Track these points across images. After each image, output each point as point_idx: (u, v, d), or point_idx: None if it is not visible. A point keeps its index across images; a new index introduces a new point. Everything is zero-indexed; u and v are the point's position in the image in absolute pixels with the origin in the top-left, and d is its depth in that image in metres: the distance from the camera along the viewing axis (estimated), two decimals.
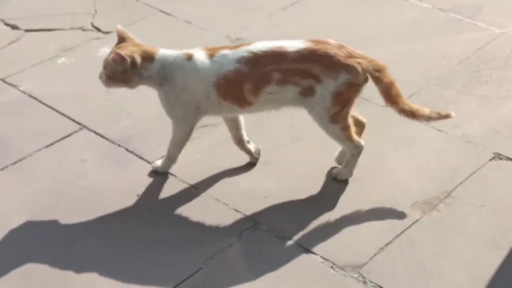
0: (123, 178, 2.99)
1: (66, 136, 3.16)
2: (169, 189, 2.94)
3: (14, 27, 3.79)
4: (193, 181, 2.97)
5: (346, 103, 2.78)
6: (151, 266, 2.62)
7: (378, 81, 2.76)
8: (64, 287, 2.54)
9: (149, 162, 3.05)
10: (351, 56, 2.73)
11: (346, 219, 2.79)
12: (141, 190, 2.93)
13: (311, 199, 2.90)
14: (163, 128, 3.19)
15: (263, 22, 3.92)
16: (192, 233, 2.77)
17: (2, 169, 3.00)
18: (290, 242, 2.71)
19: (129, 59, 2.73)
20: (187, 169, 3.01)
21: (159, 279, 2.56)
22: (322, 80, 2.72)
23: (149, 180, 2.97)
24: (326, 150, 3.01)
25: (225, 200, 2.89)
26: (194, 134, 3.14)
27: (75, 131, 3.20)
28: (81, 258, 2.65)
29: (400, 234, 2.70)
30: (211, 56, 2.77)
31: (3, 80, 3.43)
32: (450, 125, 3.15)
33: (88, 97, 3.38)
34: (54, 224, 2.78)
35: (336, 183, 2.94)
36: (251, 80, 2.74)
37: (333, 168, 3.00)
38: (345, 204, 2.85)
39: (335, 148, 2.97)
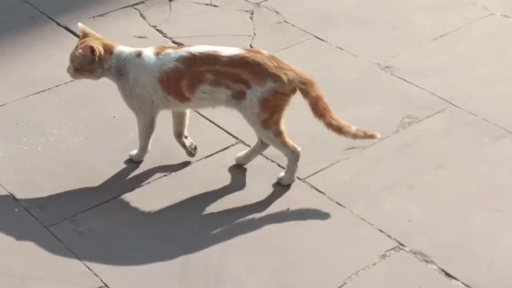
0: (275, 192, 3.04)
1: (224, 149, 3.24)
2: (317, 206, 2.97)
3: (180, 45, 3.93)
4: (341, 200, 2.99)
5: (275, 110, 2.88)
6: (297, 278, 2.66)
7: (305, 94, 2.89)
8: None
9: (299, 179, 3.09)
10: (279, 67, 2.86)
11: (491, 247, 2.73)
12: (291, 204, 2.98)
13: (455, 226, 2.86)
14: (314, 146, 3.24)
15: (412, 51, 3.90)
16: (337, 249, 2.79)
17: (166, 175, 3.11)
18: (432, 266, 2.68)
19: (97, 51, 2.90)
20: (336, 189, 3.03)
21: None
22: (251, 86, 2.84)
23: (300, 195, 3.02)
24: (471, 178, 2.97)
25: (370, 220, 2.89)
26: (343, 155, 3.20)
27: (232, 145, 3.28)
28: (234, 262, 2.72)
29: None
30: (157, 54, 2.94)
31: None
32: None
33: None
34: (209, 228, 2.86)
35: (481, 212, 2.89)
36: (187, 78, 2.88)
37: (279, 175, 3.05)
38: (494, 232, 2.78)
39: (480, 175, 2.93)
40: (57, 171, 3.11)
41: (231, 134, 3.33)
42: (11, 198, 2.97)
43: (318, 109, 2.90)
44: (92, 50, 2.91)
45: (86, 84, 3.16)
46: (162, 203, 2.98)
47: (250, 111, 2.89)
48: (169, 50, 2.94)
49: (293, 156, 2.99)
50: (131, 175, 3.10)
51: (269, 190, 3.05)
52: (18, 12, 4.14)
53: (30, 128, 3.33)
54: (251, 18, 4.17)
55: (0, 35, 3.95)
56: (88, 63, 2.93)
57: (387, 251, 2.76)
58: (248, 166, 3.16)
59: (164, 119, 3.14)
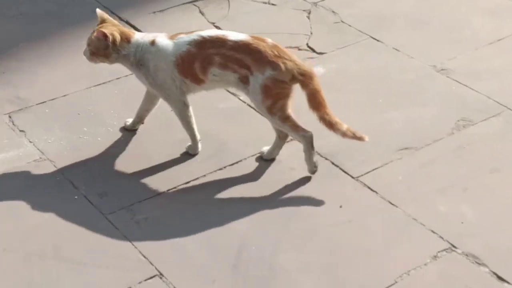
0: (327, 189, 3.04)
1: None
2: (369, 205, 2.96)
3: None
4: (393, 199, 2.97)
5: (277, 97, 2.92)
6: (349, 275, 2.66)
7: (303, 85, 2.92)
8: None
9: (352, 177, 3.09)
10: (279, 55, 2.90)
11: None
12: (343, 202, 2.97)
13: (508, 229, 2.82)
14: (367, 146, 3.22)
15: (468, 54, 3.85)
16: (388, 248, 2.78)
17: (221, 168, 3.13)
18: (484, 269, 2.65)
19: (110, 37, 2.96)
20: (389, 188, 3.02)
21: None
22: (253, 72, 2.90)
23: (353, 194, 3.01)
24: None
25: (422, 221, 2.87)
26: (396, 155, 3.18)
27: (287, 141, 3.26)
28: (286, 257, 2.72)
29: None
30: (171, 39, 3.01)
31: (226, 89, 3.57)
32: None
33: (300, 110, 3.43)
34: (262, 223, 2.88)
35: None
36: (199, 60, 2.95)
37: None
38: None
39: None
40: (116, 161, 3.16)
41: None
42: (71, 186, 3.03)
43: (314, 102, 2.94)
44: (104, 35, 2.97)
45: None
46: (216, 196, 3.00)
47: (254, 97, 2.96)
48: (182, 35, 3.02)
49: (305, 140, 3.02)
50: (187, 167, 3.13)
51: (321, 187, 3.05)
52: (82, 6, 4.21)
53: (91, 119, 3.38)
54: (308, 17, 4.16)
55: (63, 28, 4.02)
56: (103, 48, 3.00)
57: (438, 252, 2.73)
58: (301, 163, 3.15)
59: (218, 115, 3.17)
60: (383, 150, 3.22)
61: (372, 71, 3.74)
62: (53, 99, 3.44)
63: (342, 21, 4.12)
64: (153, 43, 3.02)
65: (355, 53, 3.88)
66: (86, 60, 3.12)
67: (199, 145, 3.18)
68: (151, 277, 2.65)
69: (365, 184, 3.05)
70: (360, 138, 2.98)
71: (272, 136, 3.27)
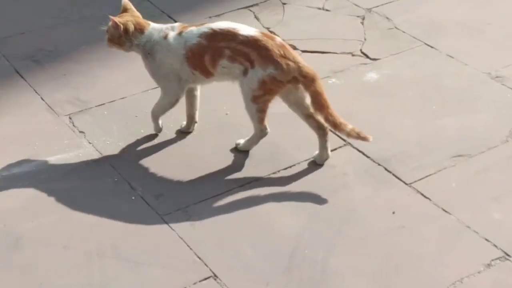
0: (380, 195, 3.02)
1: (332, 150, 3.23)
2: (422, 211, 2.94)
3: (293, 47, 3.91)
4: (446, 206, 2.94)
5: (268, 92, 3.00)
6: (401, 281, 2.64)
7: (306, 87, 2.99)
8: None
9: (406, 183, 3.06)
10: (284, 56, 2.97)
11: None
12: (396, 208, 2.95)
13: None
14: (421, 152, 3.21)
15: None
16: (441, 254, 2.75)
17: (275, 173, 3.14)
18: None
19: (122, 26, 3.05)
20: (442, 195, 2.99)
21: None
22: (255, 66, 2.96)
23: (406, 200, 2.99)
24: None
25: (476, 228, 2.84)
26: (450, 162, 3.15)
27: (340, 146, 3.27)
28: (338, 261, 2.72)
29: None
30: (181, 32, 3.07)
31: None
32: None
33: (353, 116, 3.42)
34: (315, 227, 2.87)
35: None
36: (209, 52, 3.01)
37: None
38: None
39: None
40: (172, 163, 3.19)
41: (339, 136, 3.32)
42: (128, 186, 3.07)
43: (317, 103, 3.00)
44: (116, 25, 3.05)
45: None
46: (270, 199, 3.01)
47: (248, 86, 3.01)
48: (192, 28, 3.07)
49: (261, 134, 3.14)
50: (241, 171, 3.15)
51: (375, 193, 3.04)
52: (140, 10, 4.21)
53: (147, 121, 3.41)
54: (362, 23, 4.15)
55: None
56: (117, 36, 3.09)
57: (492, 260, 2.70)
58: (354, 168, 3.15)
59: (272, 119, 3.18)
60: (437, 156, 3.19)
61: (426, 77, 3.71)
62: (112, 101, 3.49)
63: (396, 27, 4.09)
64: (165, 37, 3.09)
65: (408, 60, 3.85)
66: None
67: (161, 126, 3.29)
68: (205, 278, 2.67)
69: (418, 191, 3.02)
70: (364, 138, 3.02)
71: (332, 139, 3.27)
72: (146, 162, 3.20)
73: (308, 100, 3.05)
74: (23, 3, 4.36)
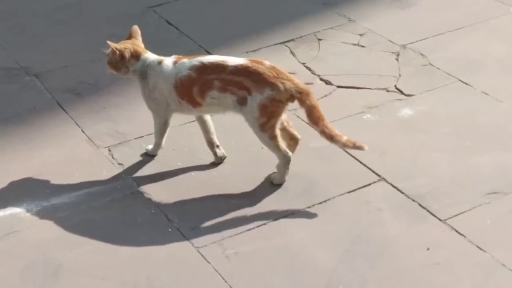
0: (415, 231, 3.00)
1: (366, 185, 3.23)
2: (457, 248, 2.91)
3: (327, 83, 3.97)
4: (481, 244, 2.91)
5: (272, 115, 3.07)
6: None
7: (301, 102, 3.06)
8: None
9: (440, 220, 3.04)
10: (277, 76, 3.04)
11: None
12: (430, 244, 2.92)
13: None
14: (455, 189, 3.19)
15: None
16: None
17: (309, 207, 3.14)
18: None
19: (118, 52, 3.21)
20: (477, 232, 2.96)
21: None
22: (252, 93, 3.04)
23: (441, 236, 2.96)
24: None
25: (511, 266, 2.80)
26: (485, 199, 3.12)
27: (374, 182, 3.26)
28: None
29: None
30: (175, 63, 3.19)
31: None
32: None
33: (388, 152, 3.44)
34: (350, 261, 2.86)
35: None
36: (198, 84, 3.12)
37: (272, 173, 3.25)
38: None
39: None
40: (208, 196, 3.20)
41: (374, 171, 3.31)
42: (165, 218, 3.09)
43: (312, 117, 3.07)
44: (113, 50, 3.21)
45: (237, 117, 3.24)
46: (304, 233, 3.00)
47: (251, 115, 3.09)
48: (185, 60, 3.19)
49: (284, 160, 3.18)
50: (276, 204, 3.15)
51: (409, 228, 3.02)
52: (178, 45, 4.32)
53: (184, 154, 3.45)
54: (397, 59, 4.15)
55: None
56: (115, 61, 3.25)
57: None
58: (388, 204, 3.14)
59: (308, 154, 3.18)
60: (471, 193, 3.16)
61: (461, 114, 3.70)
62: (150, 134, 3.52)
63: (431, 64, 4.09)
64: (160, 63, 3.22)
65: (443, 96, 3.84)
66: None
67: (158, 152, 3.40)
68: None
69: (452, 227, 3.00)
70: (359, 148, 3.08)
71: (361, 175, 3.27)
72: (182, 194, 3.22)
73: (284, 116, 3.17)
74: (66, 37, 4.44)
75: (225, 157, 3.37)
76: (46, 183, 3.28)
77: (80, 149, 3.50)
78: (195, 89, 3.14)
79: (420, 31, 4.40)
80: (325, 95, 3.85)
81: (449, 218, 3.05)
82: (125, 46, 3.26)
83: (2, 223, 3.07)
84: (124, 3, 4.83)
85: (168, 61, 3.22)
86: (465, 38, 4.33)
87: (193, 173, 3.34)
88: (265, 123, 3.09)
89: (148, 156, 3.42)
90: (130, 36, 3.34)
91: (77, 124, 3.67)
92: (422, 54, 4.17)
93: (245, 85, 3.06)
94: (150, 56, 3.27)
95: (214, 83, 3.10)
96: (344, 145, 3.10)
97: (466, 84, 3.91)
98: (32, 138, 3.58)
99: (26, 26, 4.59)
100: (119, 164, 3.40)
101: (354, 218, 3.07)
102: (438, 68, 4.05)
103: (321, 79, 3.99)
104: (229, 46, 4.27)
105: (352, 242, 2.95)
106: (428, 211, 3.09)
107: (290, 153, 3.18)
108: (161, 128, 3.34)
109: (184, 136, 3.56)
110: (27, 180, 3.31)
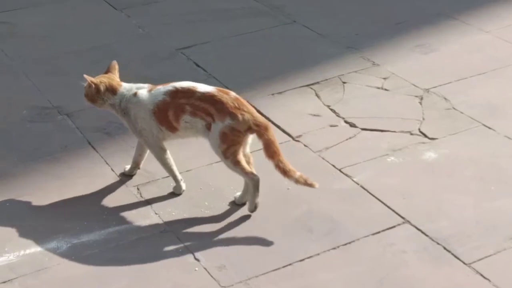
0: (439, 274, 2.98)
1: (390, 227, 3.22)
2: None
3: (352, 125, 3.98)
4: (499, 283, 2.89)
5: (231, 143, 3.16)
6: None
7: (259, 135, 3.16)
8: None
9: (465, 263, 3.02)
10: (238, 108, 3.16)
11: None
12: None
13: None
14: (480, 232, 3.17)
15: None
16: None
17: (335, 248, 3.13)
18: None
19: (93, 86, 3.31)
20: (502, 276, 2.94)
21: None
22: (215, 120, 3.17)
23: (465, 280, 2.94)
24: None
25: None
26: (510, 243, 3.09)
27: (399, 224, 3.25)
28: None
29: None
30: (150, 90, 3.31)
31: (340, 170, 3.60)
32: None
33: (412, 195, 3.43)
34: None
35: None
36: (172, 108, 3.24)
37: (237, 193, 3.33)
38: None
39: None
40: (235, 235, 3.21)
41: (398, 214, 3.30)
42: (192, 257, 3.09)
43: (269, 151, 3.15)
44: (89, 84, 3.32)
45: (263, 159, 3.24)
46: (329, 275, 2.99)
47: (213, 141, 3.21)
48: (160, 86, 3.31)
49: (252, 182, 3.23)
50: (301, 245, 3.14)
51: (434, 271, 2.99)
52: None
53: (211, 193, 3.46)
54: (420, 103, 4.16)
55: None
56: (91, 94, 3.36)
57: None
58: (413, 247, 3.12)
59: (332, 195, 3.17)
60: (496, 237, 3.14)
61: (484, 158, 3.68)
62: None
63: (454, 108, 4.09)
64: (135, 94, 3.32)
65: (466, 140, 3.83)
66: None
67: (183, 185, 3.43)
68: None
69: (477, 271, 2.97)
70: (311, 185, 3.13)
71: (385, 217, 3.25)
72: (209, 233, 3.23)
73: (247, 148, 3.27)
74: None
75: (134, 174, 3.54)
76: (76, 220, 3.30)
77: (109, 187, 3.53)
78: (170, 113, 3.25)
79: (442, 75, 4.41)
80: (350, 138, 3.86)
81: (474, 262, 3.02)
82: (101, 80, 3.37)
83: (33, 259, 3.09)
84: (154, 46, 4.89)
85: (143, 91, 3.33)
86: (487, 83, 4.34)
87: (219, 212, 3.35)
88: (226, 150, 3.19)
89: (176, 195, 3.44)
90: (107, 71, 3.45)
91: (106, 163, 3.70)
92: (445, 98, 4.18)
93: (210, 112, 3.18)
94: (126, 89, 3.36)
95: (186, 108, 3.21)
96: (296, 181, 3.14)
97: (489, 128, 3.91)
98: (63, 176, 3.61)
99: (59, 66, 4.66)
100: (147, 202, 3.42)
101: (378, 260, 3.06)
102: (462, 112, 4.05)
103: (346, 122, 4.00)
104: (255, 88, 4.30)
105: (377, 285, 2.93)
106: (452, 254, 3.07)
107: (257, 176, 3.24)
108: (163, 158, 3.40)
109: (210, 176, 3.58)
110: (58, 217, 3.33)
